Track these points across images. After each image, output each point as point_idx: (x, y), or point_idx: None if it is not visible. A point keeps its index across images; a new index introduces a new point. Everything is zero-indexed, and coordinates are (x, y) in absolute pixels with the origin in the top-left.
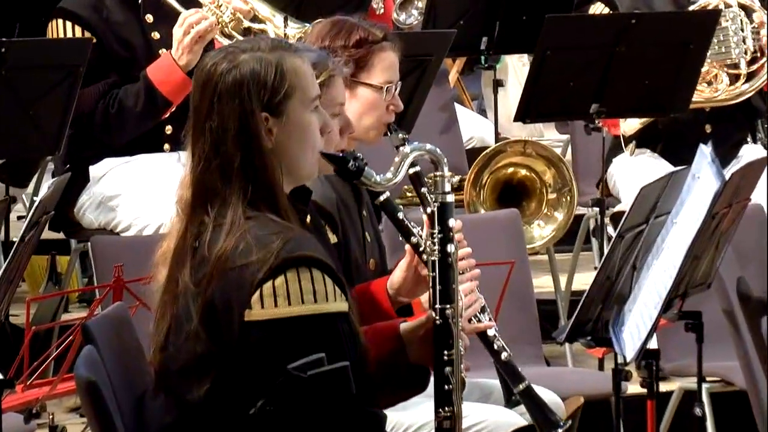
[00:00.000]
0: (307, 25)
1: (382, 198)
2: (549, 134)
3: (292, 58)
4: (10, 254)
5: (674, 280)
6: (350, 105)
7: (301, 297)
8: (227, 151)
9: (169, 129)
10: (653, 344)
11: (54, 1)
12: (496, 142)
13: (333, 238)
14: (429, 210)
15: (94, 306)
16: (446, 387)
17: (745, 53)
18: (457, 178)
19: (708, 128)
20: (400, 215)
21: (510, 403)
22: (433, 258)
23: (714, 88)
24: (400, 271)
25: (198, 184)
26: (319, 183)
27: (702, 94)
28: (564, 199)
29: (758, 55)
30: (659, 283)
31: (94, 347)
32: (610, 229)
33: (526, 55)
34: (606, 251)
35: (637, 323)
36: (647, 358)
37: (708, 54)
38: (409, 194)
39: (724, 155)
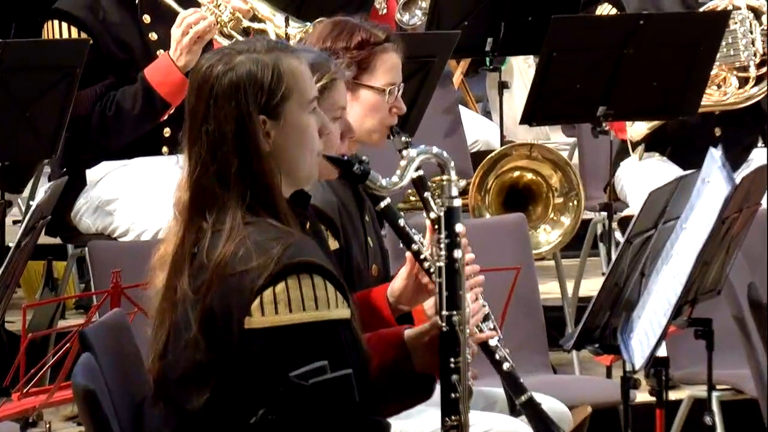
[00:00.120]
0: (309, 24)
1: (382, 204)
2: (555, 137)
3: (289, 59)
4: (6, 260)
5: (684, 287)
6: (352, 108)
7: (302, 304)
8: (224, 155)
9: (167, 131)
10: (662, 352)
11: (50, 2)
12: (501, 145)
13: (334, 244)
14: (432, 215)
15: (91, 313)
16: (453, 395)
17: (755, 56)
18: (462, 183)
19: (717, 131)
20: (401, 222)
21: (515, 412)
22: (439, 264)
23: (723, 91)
24: (400, 279)
25: (195, 189)
26: (320, 188)
27: (711, 98)
28: (571, 204)
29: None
30: (668, 290)
31: (91, 355)
32: (617, 234)
33: (531, 57)
34: (614, 257)
35: (646, 330)
36: (656, 365)
37: (717, 56)
38: (412, 198)
39: (734, 159)
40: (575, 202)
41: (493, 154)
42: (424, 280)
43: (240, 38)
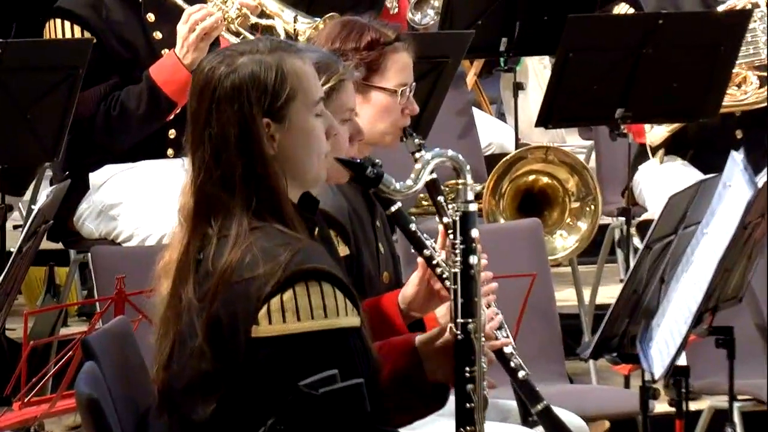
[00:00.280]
0: (318, 19)
1: (393, 208)
2: (572, 140)
3: (293, 59)
4: (7, 265)
5: (704, 294)
6: (363, 110)
7: (310, 312)
8: (228, 159)
9: (172, 133)
10: (682, 361)
11: (51, 1)
12: (516, 148)
13: (345, 250)
14: (446, 219)
15: (94, 320)
16: (468, 405)
17: None
18: (477, 187)
19: (739, 134)
20: (413, 227)
21: (528, 422)
22: (454, 270)
23: (743, 91)
24: (412, 285)
25: (200, 195)
26: (330, 192)
27: (730, 98)
28: (588, 208)
29: None
30: (689, 297)
31: (95, 363)
32: (636, 240)
33: (547, 57)
34: (632, 263)
35: (666, 339)
36: (676, 375)
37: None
38: (424, 203)
39: (756, 162)
40: (592, 207)
41: (507, 157)
42: (437, 286)
43: (248, 35)
